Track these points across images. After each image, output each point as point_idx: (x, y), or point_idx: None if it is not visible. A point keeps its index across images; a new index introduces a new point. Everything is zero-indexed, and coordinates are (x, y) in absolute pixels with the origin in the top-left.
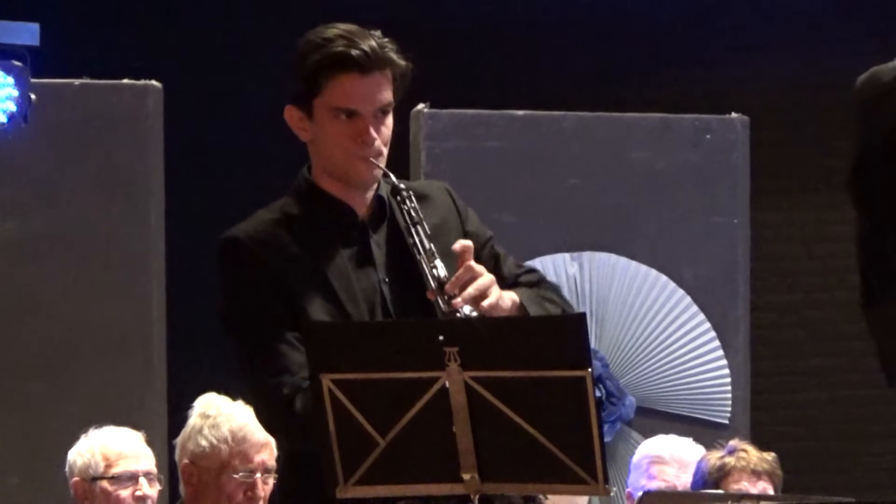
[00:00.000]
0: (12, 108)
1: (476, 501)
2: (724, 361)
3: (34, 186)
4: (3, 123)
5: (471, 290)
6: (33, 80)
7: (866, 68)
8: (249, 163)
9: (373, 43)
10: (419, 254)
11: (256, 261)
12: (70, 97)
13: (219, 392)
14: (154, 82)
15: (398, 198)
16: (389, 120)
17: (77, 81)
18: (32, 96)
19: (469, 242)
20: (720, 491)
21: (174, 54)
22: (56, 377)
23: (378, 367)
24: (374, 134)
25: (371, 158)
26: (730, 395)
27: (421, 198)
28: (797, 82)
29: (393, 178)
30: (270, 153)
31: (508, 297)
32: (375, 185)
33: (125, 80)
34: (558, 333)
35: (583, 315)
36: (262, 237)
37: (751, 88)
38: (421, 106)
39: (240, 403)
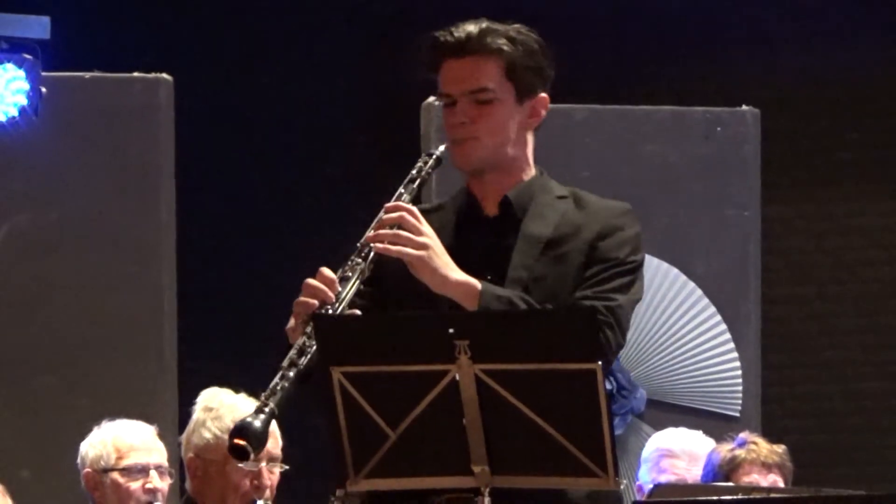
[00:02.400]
0: (23, 101)
1: (486, 494)
2: (736, 354)
3: (45, 179)
4: (14, 117)
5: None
6: (44, 74)
7: (878, 61)
8: (260, 156)
9: (471, 29)
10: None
11: None
12: (81, 90)
13: (228, 385)
14: (165, 75)
15: (421, 158)
16: (495, 110)
17: (88, 74)
18: (43, 89)
19: (398, 205)
20: (731, 484)
21: (185, 47)
22: (67, 370)
23: (388, 359)
24: (459, 116)
25: (461, 142)
26: (741, 388)
27: (580, 206)
28: (809, 75)
29: (438, 150)
30: (281, 146)
31: (461, 277)
32: (514, 182)
33: (136, 74)
34: (569, 326)
35: (593, 308)
36: None
37: (762, 81)
38: (432, 99)
39: (242, 395)
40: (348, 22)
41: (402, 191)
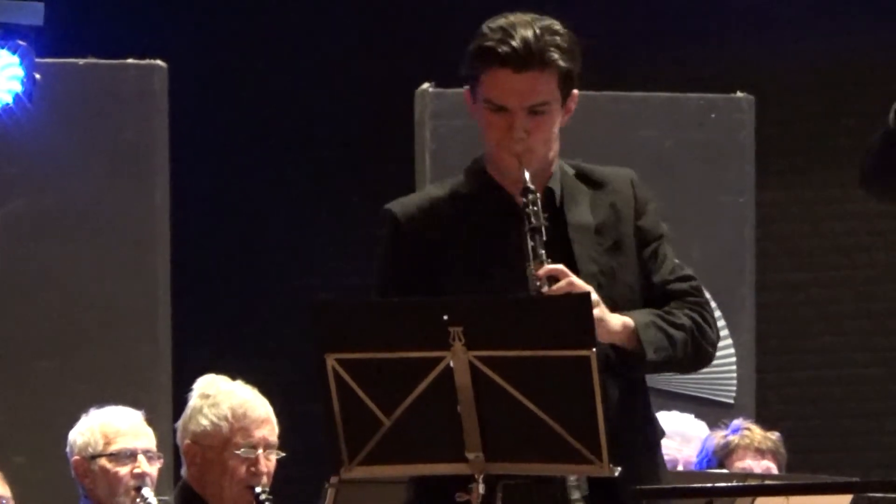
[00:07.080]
0: (17, 87)
1: (480, 480)
2: (730, 340)
3: (40, 166)
4: (8, 103)
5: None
6: (38, 60)
7: (873, 47)
8: (254, 142)
9: (529, 38)
10: (530, 259)
11: (398, 232)
12: (75, 77)
13: (222, 371)
14: (159, 61)
15: (526, 198)
16: (548, 119)
17: (82, 61)
18: (37, 76)
19: (559, 267)
20: (724, 471)
21: (178, 33)
22: (62, 356)
23: (383, 346)
24: (520, 131)
25: (518, 155)
26: (735, 375)
27: (598, 185)
28: (803, 61)
29: (527, 176)
30: (275, 132)
31: (619, 320)
32: (549, 176)
33: (130, 60)
34: (562, 313)
35: (587, 294)
36: (416, 211)
37: (757, 67)
38: (426, 85)
39: (239, 382)
40: (343, 7)
41: (534, 244)
